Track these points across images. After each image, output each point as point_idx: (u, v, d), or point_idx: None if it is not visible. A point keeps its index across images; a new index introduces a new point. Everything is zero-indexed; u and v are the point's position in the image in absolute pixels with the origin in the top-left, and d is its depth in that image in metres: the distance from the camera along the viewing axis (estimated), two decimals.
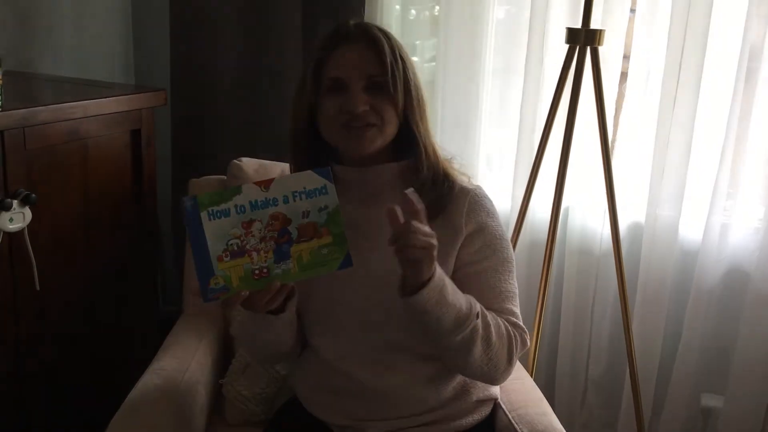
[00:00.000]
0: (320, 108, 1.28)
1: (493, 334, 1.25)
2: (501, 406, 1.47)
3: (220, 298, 1.14)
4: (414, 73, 1.31)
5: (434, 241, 1.13)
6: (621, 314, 1.93)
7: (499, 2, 2.08)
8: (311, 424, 1.41)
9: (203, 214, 1.12)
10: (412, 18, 2.27)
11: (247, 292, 1.14)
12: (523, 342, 1.32)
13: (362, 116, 1.25)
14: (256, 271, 1.14)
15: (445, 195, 1.32)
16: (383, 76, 1.25)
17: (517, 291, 1.35)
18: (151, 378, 1.51)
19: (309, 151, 1.33)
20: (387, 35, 1.29)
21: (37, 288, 1.62)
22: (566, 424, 2.20)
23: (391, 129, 1.29)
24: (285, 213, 1.14)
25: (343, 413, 1.36)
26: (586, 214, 2.14)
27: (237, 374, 1.67)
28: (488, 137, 2.18)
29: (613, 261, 1.90)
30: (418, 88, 1.31)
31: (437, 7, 2.18)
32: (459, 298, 1.21)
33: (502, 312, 1.31)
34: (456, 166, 1.39)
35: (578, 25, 1.79)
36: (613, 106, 2.09)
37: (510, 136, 2.15)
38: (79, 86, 1.96)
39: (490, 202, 1.37)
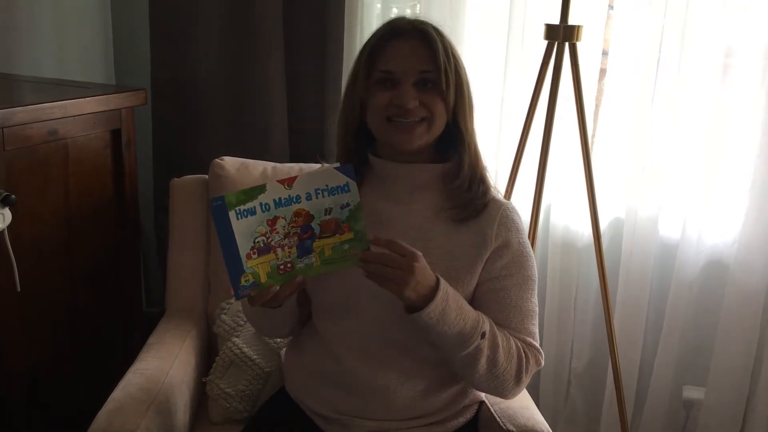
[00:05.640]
0: (369, 100, 1.28)
1: (501, 355, 1.26)
2: (484, 401, 1.48)
3: (252, 294, 1.16)
4: (465, 73, 1.31)
5: (415, 263, 1.15)
6: (603, 308, 1.95)
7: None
8: (295, 419, 1.42)
9: (231, 214, 1.14)
10: (393, 16, 2.28)
11: (278, 287, 1.16)
12: (537, 362, 1.33)
13: (411, 112, 1.24)
14: (281, 266, 1.17)
15: (479, 200, 1.32)
16: (435, 72, 1.24)
17: (536, 309, 1.36)
18: (133, 377, 1.51)
19: (356, 143, 1.33)
20: (440, 34, 1.28)
21: (18, 290, 1.61)
22: (550, 418, 2.22)
23: (439, 125, 1.28)
24: (308, 209, 1.16)
25: (332, 405, 1.37)
26: (566, 211, 2.15)
27: (220, 372, 1.67)
28: None
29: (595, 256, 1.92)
30: (468, 88, 1.31)
31: (418, 5, 2.19)
32: (465, 317, 1.22)
33: (521, 331, 1.32)
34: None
35: (556, 21, 1.80)
36: (593, 103, 2.11)
37: (489, 133, 2.16)
38: (59, 86, 1.95)
39: (520, 218, 1.37)
